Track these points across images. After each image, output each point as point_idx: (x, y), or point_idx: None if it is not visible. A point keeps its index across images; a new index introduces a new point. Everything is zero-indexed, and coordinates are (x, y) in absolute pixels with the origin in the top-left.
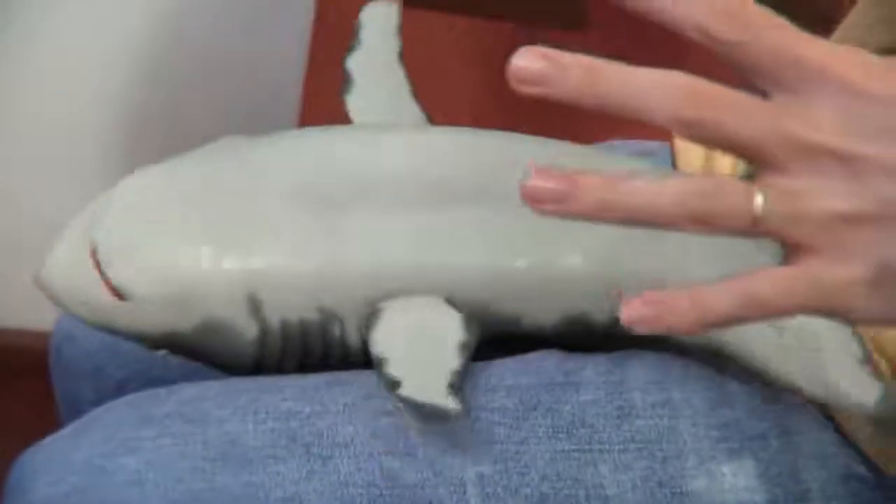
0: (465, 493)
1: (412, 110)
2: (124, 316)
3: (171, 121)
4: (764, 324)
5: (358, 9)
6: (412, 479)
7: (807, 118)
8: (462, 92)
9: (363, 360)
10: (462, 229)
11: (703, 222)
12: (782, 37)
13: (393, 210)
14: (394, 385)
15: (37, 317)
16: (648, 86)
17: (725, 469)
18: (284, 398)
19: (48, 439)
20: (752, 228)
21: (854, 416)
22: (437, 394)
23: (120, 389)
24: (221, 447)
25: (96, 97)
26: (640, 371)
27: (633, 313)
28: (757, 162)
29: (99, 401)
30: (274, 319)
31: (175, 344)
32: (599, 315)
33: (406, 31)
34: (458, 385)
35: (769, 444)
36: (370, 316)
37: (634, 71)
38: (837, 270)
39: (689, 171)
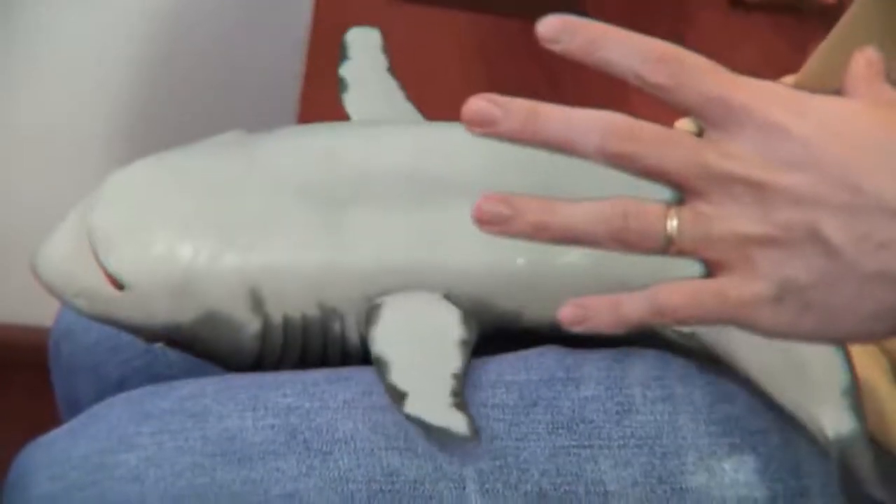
0: (464, 488)
1: (409, 112)
2: (122, 306)
3: (170, 122)
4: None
5: (355, 12)
6: (412, 474)
7: (725, 150)
8: (462, 87)
9: (362, 356)
10: (462, 226)
11: (621, 241)
12: (711, 80)
13: (394, 206)
14: (399, 397)
15: (36, 312)
16: (579, 122)
17: (726, 465)
18: (284, 394)
19: (48, 435)
20: (668, 248)
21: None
22: (444, 412)
23: (119, 386)
24: (221, 443)
25: (95, 96)
26: (640, 367)
27: (567, 314)
28: (678, 188)
29: (98, 397)
30: (276, 315)
31: (174, 336)
32: None
33: (406, 27)
34: (462, 393)
35: (769, 440)
36: (369, 312)
37: (570, 111)
38: (743, 286)
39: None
